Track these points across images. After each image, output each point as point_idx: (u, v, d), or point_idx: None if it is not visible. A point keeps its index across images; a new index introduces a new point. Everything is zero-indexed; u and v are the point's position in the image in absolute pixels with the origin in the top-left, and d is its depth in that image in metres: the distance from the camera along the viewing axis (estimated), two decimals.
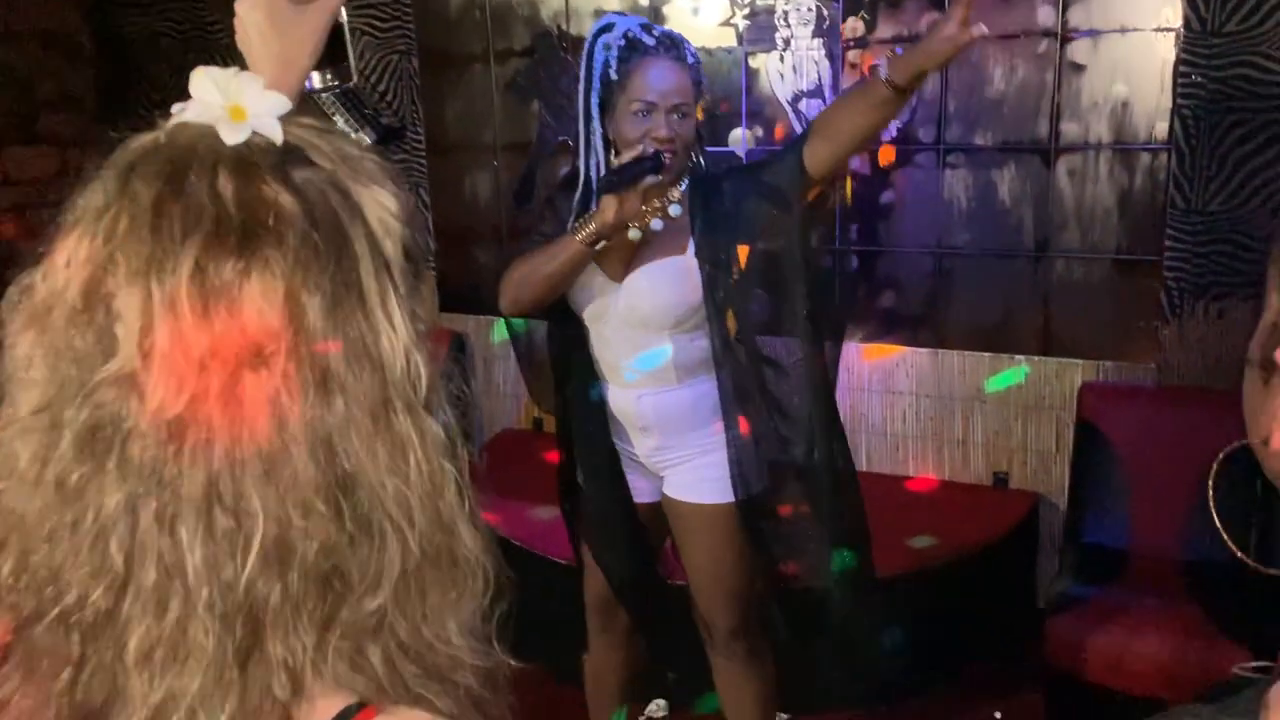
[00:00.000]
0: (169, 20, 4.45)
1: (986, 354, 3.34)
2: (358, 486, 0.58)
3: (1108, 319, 3.19)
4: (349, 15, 1.13)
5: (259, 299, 0.56)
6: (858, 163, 3.37)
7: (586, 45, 2.00)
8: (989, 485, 3.42)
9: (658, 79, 1.91)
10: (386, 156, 0.72)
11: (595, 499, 2.19)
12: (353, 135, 3.67)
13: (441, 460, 0.62)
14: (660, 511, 2.20)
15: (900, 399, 3.49)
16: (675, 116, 1.92)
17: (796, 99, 3.42)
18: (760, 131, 3.49)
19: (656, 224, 1.95)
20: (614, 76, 1.93)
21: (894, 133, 3.31)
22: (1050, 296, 3.23)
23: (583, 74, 1.99)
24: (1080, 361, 3.24)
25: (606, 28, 1.98)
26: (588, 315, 2.07)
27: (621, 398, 2.10)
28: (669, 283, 2.02)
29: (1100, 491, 3.11)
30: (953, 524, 3.21)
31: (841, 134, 1.90)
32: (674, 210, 1.95)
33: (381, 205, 0.64)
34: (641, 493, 2.19)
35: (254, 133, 0.60)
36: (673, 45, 1.95)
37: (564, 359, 2.18)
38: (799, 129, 3.42)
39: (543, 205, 2.17)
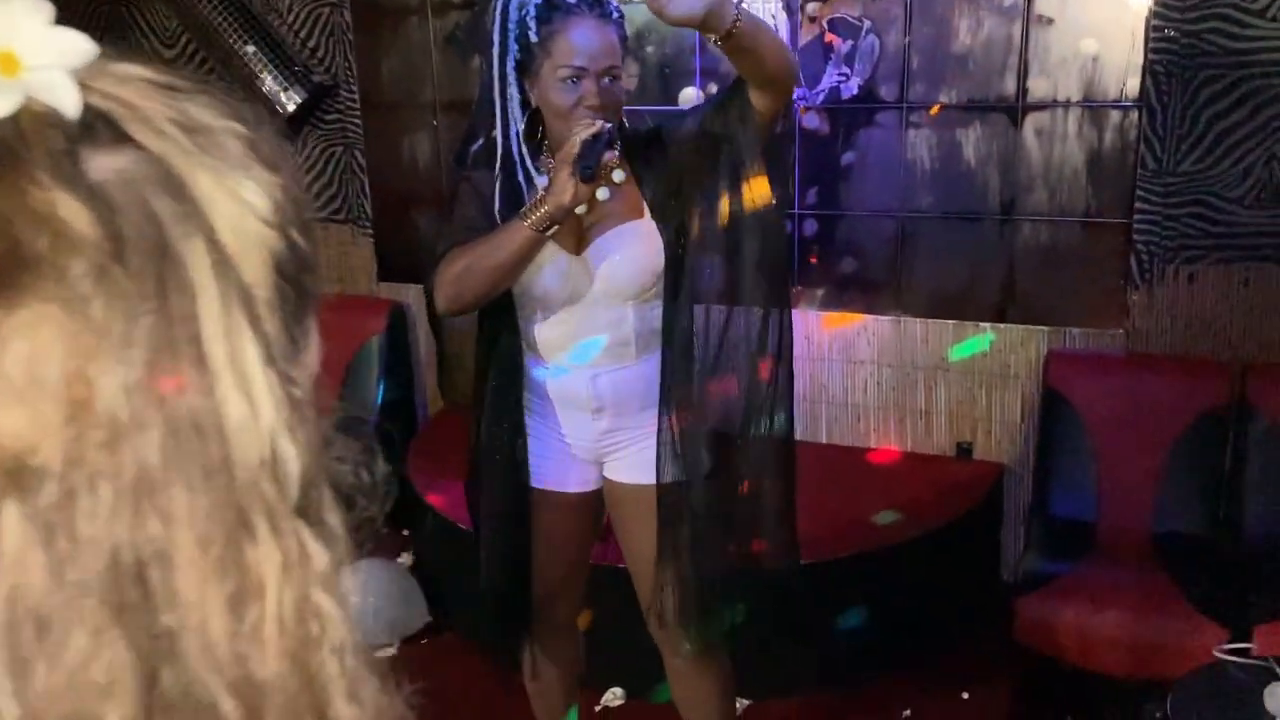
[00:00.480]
0: None
1: (950, 321, 3.22)
2: (178, 656, 0.36)
3: (1075, 284, 3.08)
4: None
5: (20, 375, 0.34)
6: (816, 122, 3.22)
7: (498, 3, 1.80)
8: (952, 456, 3.32)
9: (585, 41, 1.73)
10: (281, 130, 0.49)
11: (497, 489, 2.03)
12: (281, 94, 3.40)
13: (319, 599, 0.40)
14: (597, 500, 2.05)
15: (861, 368, 3.37)
16: (607, 80, 1.76)
17: None
18: (715, 90, 3.31)
19: (603, 193, 1.79)
20: (534, 39, 1.75)
21: (855, 90, 3.15)
22: (1016, 261, 3.12)
23: (496, 35, 1.80)
24: (1046, 329, 3.13)
25: None
26: (536, 295, 1.89)
27: (570, 381, 1.94)
28: (632, 249, 1.86)
29: (1067, 462, 3.02)
30: (916, 497, 3.11)
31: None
32: (618, 176, 1.79)
33: (242, 203, 0.41)
34: (578, 481, 2.03)
35: (29, 97, 0.37)
36: (595, 2, 1.76)
37: (490, 345, 1.99)
38: None
39: (460, 184, 1.95)
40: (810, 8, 3.15)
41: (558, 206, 1.70)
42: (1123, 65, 2.89)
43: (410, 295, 3.98)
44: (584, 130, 1.69)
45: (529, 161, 1.85)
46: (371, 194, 3.93)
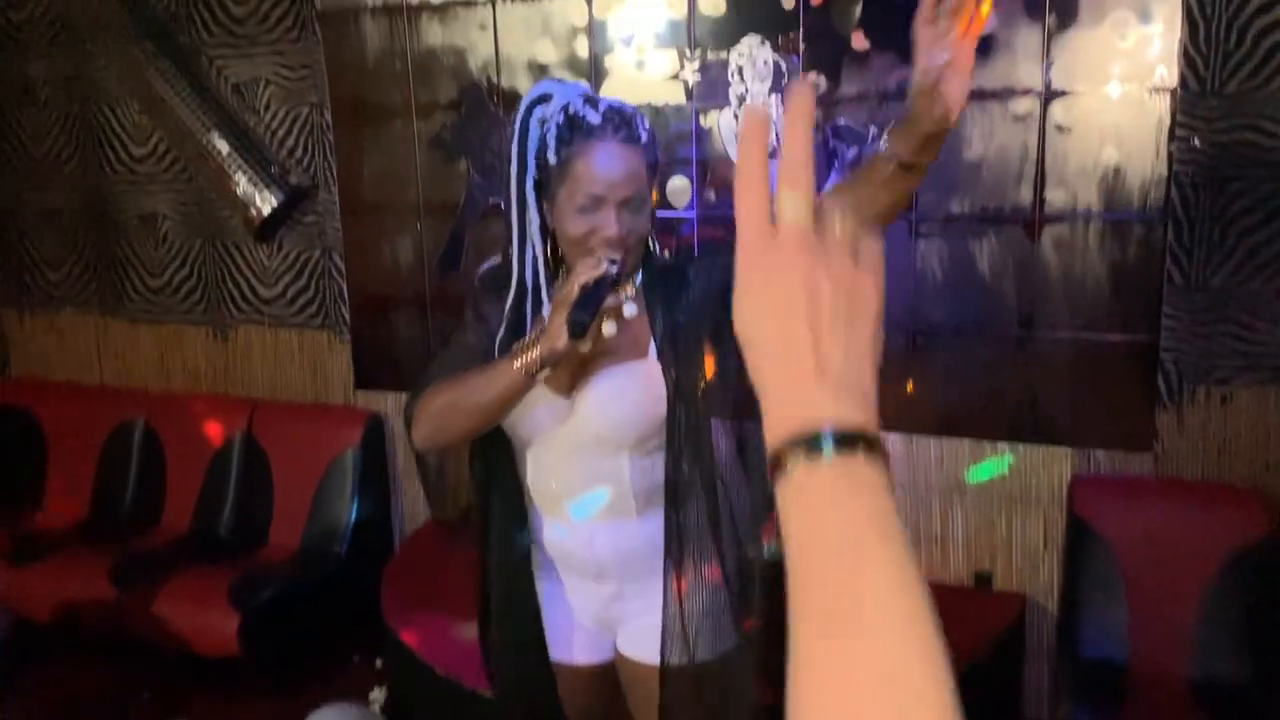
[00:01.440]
0: (48, 66, 3.99)
1: (966, 440, 3.02)
2: None
3: (1100, 404, 2.89)
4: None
5: None
6: None
7: (518, 119, 1.62)
8: (971, 587, 3.09)
9: (605, 166, 1.54)
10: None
11: (512, 662, 1.79)
12: (256, 196, 3.23)
13: None
14: (611, 675, 1.80)
15: None
16: (627, 211, 1.56)
17: None
18: (713, 195, 3.15)
19: (609, 328, 1.59)
20: (552, 160, 1.58)
21: None
22: (1035, 378, 2.93)
23: (514, 153, 1.62)
24: (1070, 450, 2.93)
25: (542, 99, 1.61)
26: (524, 437, 1.68)
27: (567, 538, 1.71)
28: (630, 393, 1.65)
29: (1096, 597, 2.79)
30: None
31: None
32: (629, 310, 1.58)
33: None
34: (591, 651, 1.78)
35: None
36: (623, 123, 1.57)
37: (485, 488, 1.77)
38: None
39: (467, 307, 1.77)
40: (814, 113, 3.00)
41: (550, 351, 1.51)
42: (1146, 175, 2.74)
43: (388, 404, 3.76)
44: (586, 272, 1.50)
45: (543, 291, 1.65)
46: (350, 298, 3.73)
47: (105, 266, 4.14)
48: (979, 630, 2.89)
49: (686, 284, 1.66)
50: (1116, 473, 2.90)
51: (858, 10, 2.90)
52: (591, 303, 1.46)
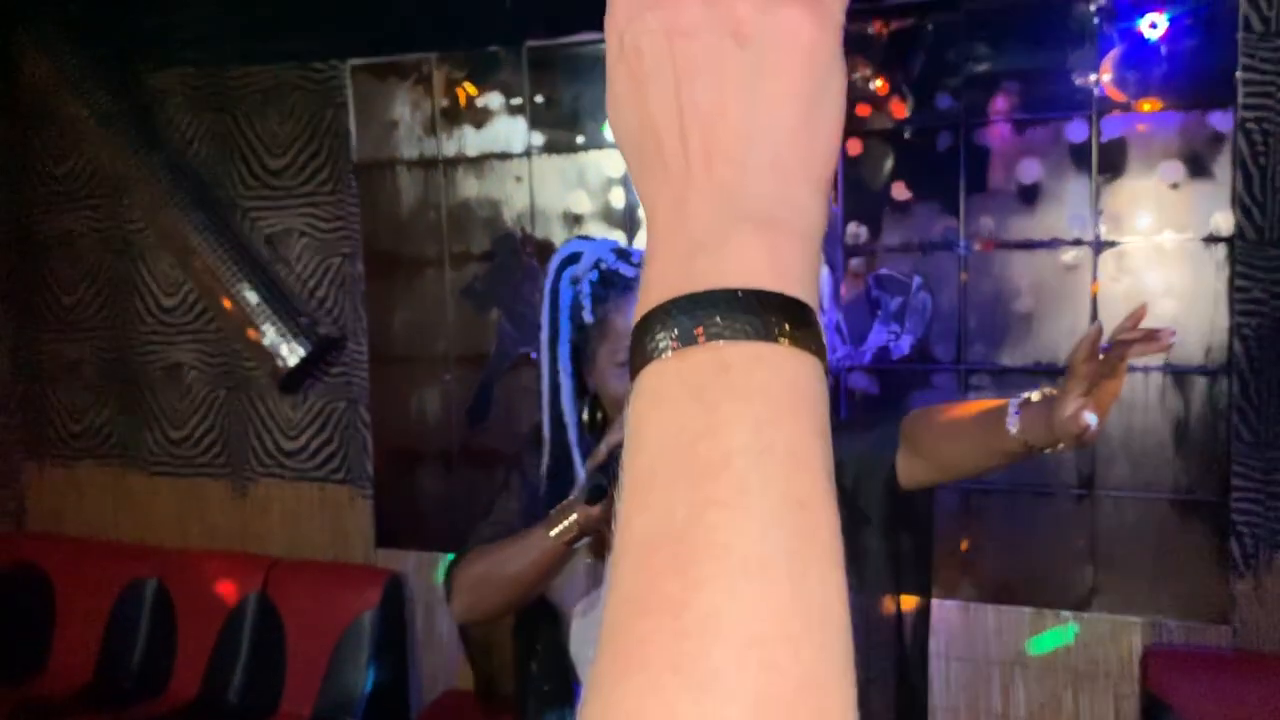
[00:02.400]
0: (86, 217, 4.01)
1: (1027, 609, 2.82)
2: None
3: (1169, 570, 2.69)
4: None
5: None
6: (864, 382, 2.94)
7: (548, 282, 1.56)
8: None
9: None
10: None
11: None
12: (282, 346, 3.15)
13: None
14: None
15: (930, 664, 2.92)
16: None
17: None
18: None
19: None
20: (588, 318, 1.52)
21: (906, 349, 2.89)
22: (1099, 542, 2.74)
23: (545, 316, 1.55)
24: (1139, 620, 2.72)
25: (572, 258, 1.55)
26: (568, 604, 1.55)
27: None
28: None
29: None
30: None
31: (949, 462, 1.43)
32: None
33: None
34: None
35: None
36: None
37: (525, 660, 1.62)
38: None
39: (513, 469, 1.67)
40: (854, 263, 2.93)
41: (587, 517, 1.40)
42: (1206, 327, 2.62)
43: (410, 564, 3.59)
44: (616, 432, 1.41)
45: (577, 456, 1.55)
46: (374, 452, 3.62)
47: (127, 418, 4.06)
48: None
49: None
50: (1192, 645, 2.68)
51: (891, 161, 2.86)
52: (616, 465, 1.34)
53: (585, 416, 1.55)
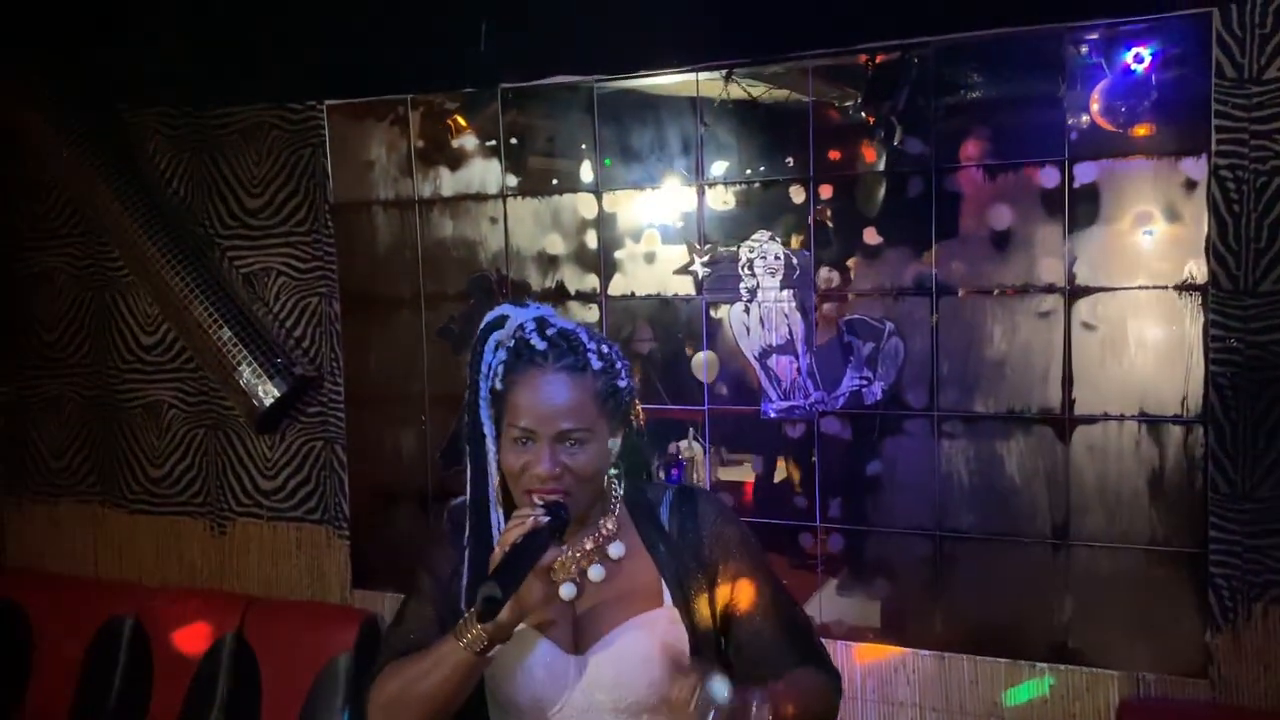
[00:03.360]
0: (66, 255, 4.01)
1: (1002, 660, 2.77)
2: None
3: (1146, 622, 2.64)
4: None
5: None
6: (836, 427, 2.91)
7: (474, 345, 1.52)
8: None
9: (540, 397, 1.43)
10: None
11: None
12: (259, 386, 3.14)
13: None
14: None
15: (901, 711, 2.88)
16: (567, 445, 1.43)
17: (765, 354, 2.97)
18: (725, 390, 3.02)
19: (596, 571, 1.44)
20: (499, 387, 1.47)
21: (879, 394, 2.85)
22: (1075, 592, 2.70)
23: (470, 378, 1.51)
24: (1116, 674, 2.67)
25: (498, 322, 1.51)
26: (524, 704, 1.49)
27: None
28: (653, 648, 1.46)
29: None
30: None
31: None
32: (615, 550, 1.44)
33: None
34: None
35: None
36: (569, 350, 1.45)
37: None
38: (769, 387, 2.96)
39: (424, 560, 1.60)
40: (826, 308, 2.90)
41: (495, 626, 1.34)
42: (1181, 376, 2.58)
43: (386, 604, 3.56)
44: (513, 529, 1.34)
45: (496, 520, 1.50)
46: (350, 492, 3.59)
47: (107, 455, 4.05)
48: None
49: (695, 522, 1.54)
50: (1170, 699, 2.63)
51: (862, 206, 2.83)
52: (518, 566, 1.29)
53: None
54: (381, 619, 3.55)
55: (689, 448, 3.08)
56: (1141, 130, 2.58)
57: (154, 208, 3.67)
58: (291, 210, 3.59)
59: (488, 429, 1.47)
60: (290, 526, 3.73)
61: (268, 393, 3.48)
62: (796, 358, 2.93)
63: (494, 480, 1.48)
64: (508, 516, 1.46)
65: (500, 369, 1.46)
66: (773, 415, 2.98)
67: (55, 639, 3.94)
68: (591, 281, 3.19)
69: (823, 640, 1.72)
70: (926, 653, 2.84)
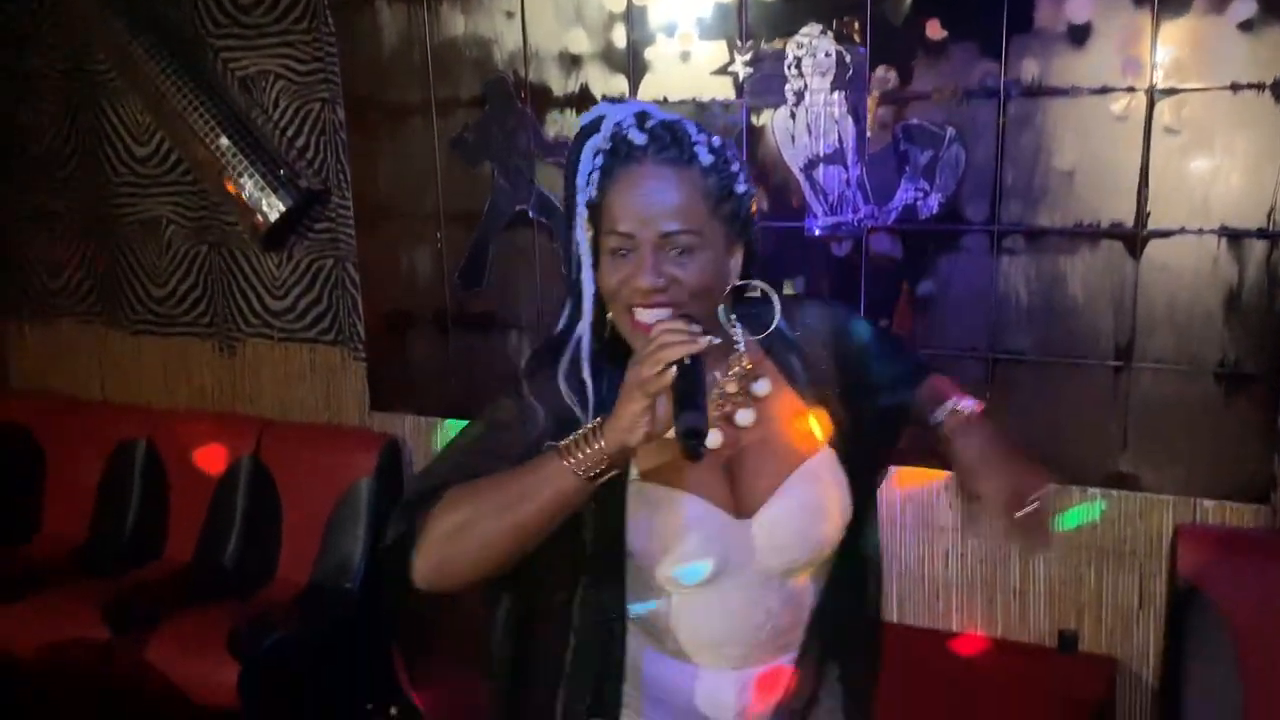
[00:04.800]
0: (46, 60, 3.72)
1: (1051, 485, 2.66)
2: None
3: (1208, 447, 2.52)
4: None
5: None
6: (887, 244, 2.71)
7: (569, 153, 1.28)
8: (1053, 648, 2.74)
9: (636, 196, 1.19)
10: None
11: None
12: (263, 200, 2.91)
13: None
14: None
15: (942, 536, 2.81)
16: (672, 252, 1.19)
17: (812, 165, 2.75)
18: (766, 204, 2.81)
19: (745, 416, 1.26)
20: (594, 196, 1.22)
21: (935, 208, 2.65)
22: (1134, 416, 2.57)
23: (565, 200, 1.28)
24: (1172, 499, 2.57)
25: (592, 126, 1.25)
26: (676, 576, 1.25)
27: (708, 685, 1.31)
28: (824, 499, 1.29)
29: (1205, 669, 2.43)
30: (1009, 699, 2.53)
31: None
32: (760, 388, 1.25)
33: None
34: None
35: None
36: (672, 142, 1.21)
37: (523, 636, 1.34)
38: (814, 201, 2.75)
39: (513, 382, 1.31)
40: (881, 112, 2.66)
41: (619, 445, 1.10)
42: (1269, 187, 2.37)
43: (406, 428, 3.46)
44: (674, 345, 1.09)
45: (584, 363, 1.27)
46: (365, 313, 3.43)
47: (106, 275, 3.86)
48: (1062, 697, 2.55)
49: (835, 345, 1.36)
50: (1227, 526, 2.54)
51: None
52: (696, 391, 1.08)
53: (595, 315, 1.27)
54: (403, 442, 3.45)
55: None
56: None
57: (139, 5, 3.36)
58: (287, 6, 3.28)
59: (584, 252, 1.24)
60: (303, 348, 3.58)
61: (273, 206, 3.27)
62: (846, 168, 2.71)
63: (589, 314, 1.26)
64: (593, 352, 1.26)
65: (597, 176, 1.22)
66: (817, 233, 2.77)
67: (67, 463, 3.86)
68: (619, 85, 2.92)
69: None
70: None
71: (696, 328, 1.12)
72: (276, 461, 3.53)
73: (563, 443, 1.14)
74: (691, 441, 1.07)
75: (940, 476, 2.77)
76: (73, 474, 3.84)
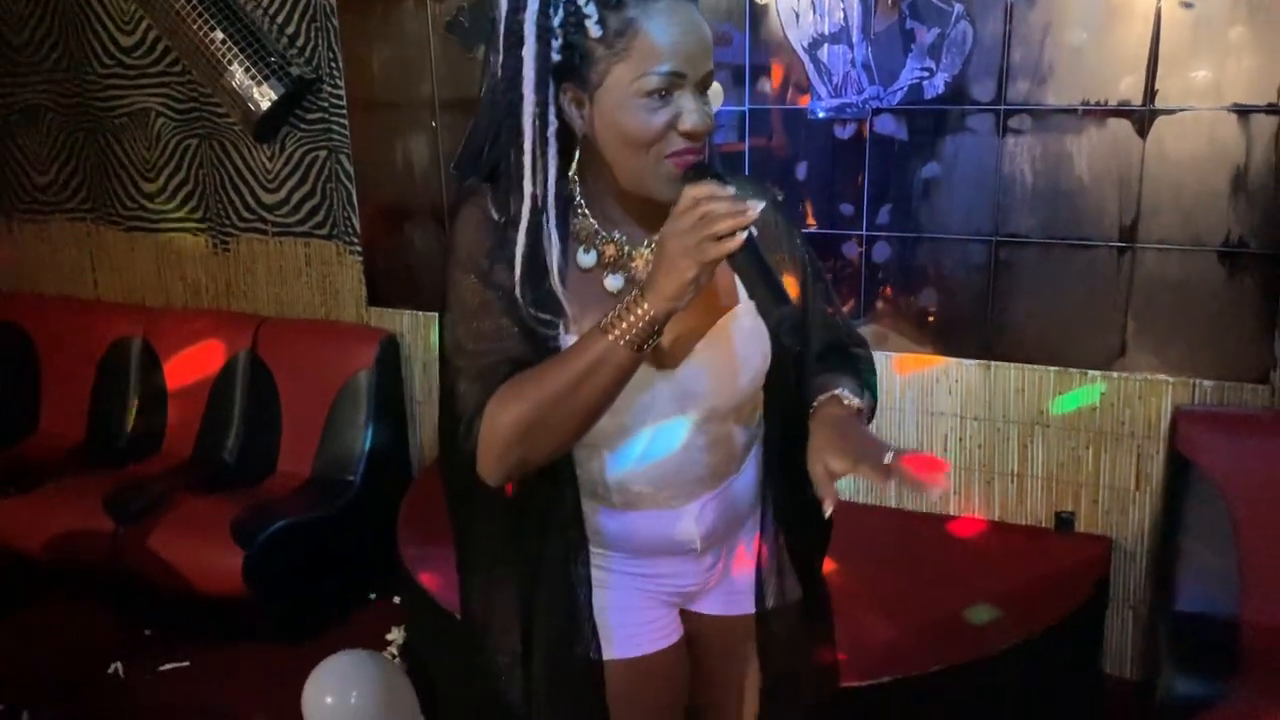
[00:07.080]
0: (48, 93, 3.62)
1: (1052, 369, 2.68)
2: None
3: (1210, 327, 2.53)
4: None
5: None
6: (891, 126, 2.68)
7: None
8: (1050, 528, 2.77)
9: (689, 34, 1.12)
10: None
11: (558, 674, 1.42)
12: (254, 89, 2.85)
13: None
14: (680, 654, 1.48)
15: (941, 421, 2.82)
16: (704, 96, 1.16)
17: (816, 44, 2.70)
18: (769, 86, 2.76)
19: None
20: (595, 32, 1.11)
21: (940, 88, 2.61)
22: (1136, 298, 2.57)
23: (530, 32, 1.13)
24: (1171, 380, 2.58)
25: None
26: (611, 432, 1.26)
27: (663, 523, 1.36)
28: (742, 350, 1.29)
29: (1199, 543, 2.47)
30: (1006, 578, 2.57)
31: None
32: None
33: None
34: (664, 634, 1.44)
35: None
36: None
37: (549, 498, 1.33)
38: (818, 83, 2.71)
39: (455, 271, 1.23)
40: None
41: (668, 312, 1.09)
42: (1277, 61, 2.34)
43: (403, 323, 3.44)
44: (724, 216, 1.05)
45: (551, 222, 1.19)
46: (360, 206, 3.39)
47: (95, 170, 3.80)
48: (1058, 576, 2.59)
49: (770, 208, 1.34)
50: (1226, 406, 2.56)
51: None
52: (768, 271, 1.09)
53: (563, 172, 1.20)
54: (401, 338, 3.44)
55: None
56: None
57: None
58: None
59: (551, 94, 1.14)
60: (298, 243, 3.55)
61: (264, 95, 3.20)
62: (850, 48, 2.66)
63: (554, 164, 1.16)
64: (562, 211, 1.20)
65: (593, 10, 1.10)
66: (821, 115, 2.73)
67: (63, 360, 3.85)
68: None
69: None
70: (970, 361, 2.75)
71: (732, 189, 1.09)
72: (274, 357, 3.51)
73: (604, 321, 1.11)
74: (790, 337, 1.13)
75: (941, 361, 2.78)
76: (68, 373, 3.83)
